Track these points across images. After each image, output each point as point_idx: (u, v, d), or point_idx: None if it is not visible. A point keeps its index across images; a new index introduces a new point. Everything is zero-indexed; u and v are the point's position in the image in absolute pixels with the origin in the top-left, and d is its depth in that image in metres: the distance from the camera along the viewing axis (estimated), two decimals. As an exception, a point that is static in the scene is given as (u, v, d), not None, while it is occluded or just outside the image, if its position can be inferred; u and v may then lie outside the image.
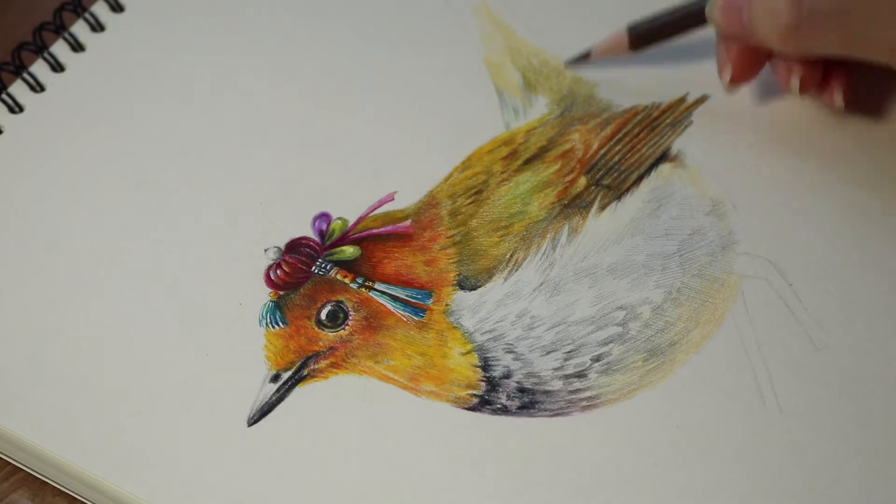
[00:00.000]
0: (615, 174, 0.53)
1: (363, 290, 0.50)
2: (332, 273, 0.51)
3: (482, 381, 0.48)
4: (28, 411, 0.48)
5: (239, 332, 0.49)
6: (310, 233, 0.52)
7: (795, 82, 0.50)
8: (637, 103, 0.54)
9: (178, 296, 0.50)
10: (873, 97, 0.53)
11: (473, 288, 0.50)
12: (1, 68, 0.56)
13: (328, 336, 0.49)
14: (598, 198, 0.52)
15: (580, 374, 0.48)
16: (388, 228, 0.52)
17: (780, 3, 0.48)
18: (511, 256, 0.51)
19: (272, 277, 0.51)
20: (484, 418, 0.47)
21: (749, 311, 0.49)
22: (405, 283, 0.50)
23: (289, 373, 0.48)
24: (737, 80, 0.52)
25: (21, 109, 0.56)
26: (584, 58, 0.55)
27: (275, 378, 0.48)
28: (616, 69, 0.55)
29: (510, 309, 0.49)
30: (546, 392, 0.48)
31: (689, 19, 0.53)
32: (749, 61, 0.51)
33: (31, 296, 0.51)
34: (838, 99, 0.51)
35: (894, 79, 0.52)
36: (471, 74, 0.56)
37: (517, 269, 0.50)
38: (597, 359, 0.48)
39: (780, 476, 0.46)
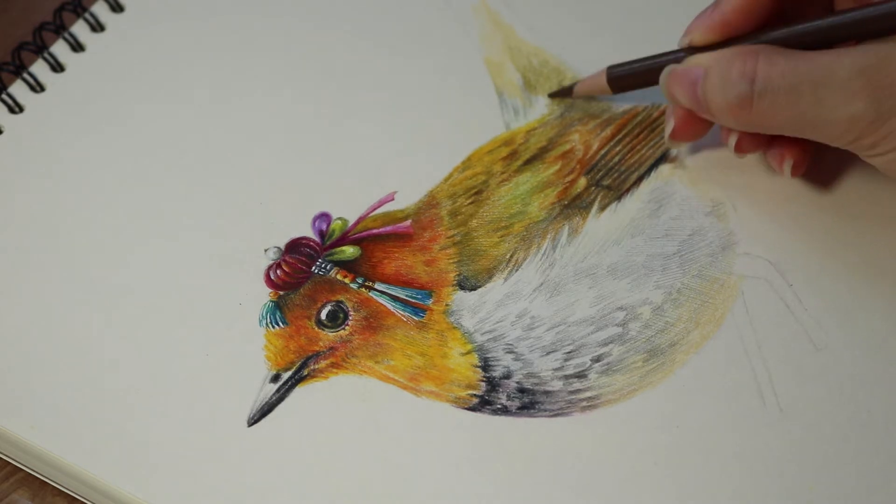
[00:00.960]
0: (615, 175, 0.53)
1: (363, 290, 0.50)
2: (332, 273, 0.51)
3: (482, 381, 0.48)
4: (28, 411, 0.48)
5: (239, 332, 0.49)
6: (310, 233, 0.52)
7: (732, 141, 0.50)
8: (637, 104, 0.54)
9: (178, 296, 0.50)
10: (826, 168, 0.52)
11: (473, 288, 0.50)
12: (1, 68, 0.56)
13: (328, 336, 0.49)
14: (598, 198, 0.52)
15: (580, 375, 0.48)
16: (388, 228, 0.52)
17: (734, 77, 0.47)
18: (511, 257, 0.51)
19: (272, 277, 0.51)
20: (484, 418, 0.47)
21: (749, 311, 0.49)
22: (405, 283, 0.50)
23: (289, 373, 0.48)
24: (677, 136, 0.51)
25: (21, 109, 0.56)
26: (566, 92, 0.55)
27: (275, 378, 0.48)
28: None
29: (510, 309, 0.49)
30: (546, 392, 0.48)
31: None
32: (693, 122, 0.50)
33: (31, 296, 0.50)
34: (787, 169, 0.50)
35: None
36: (471, 74, 0.56)
37: (517, 270, 0.50)
38: (597, 359, 0.48)
39: (780, 476, 0.46)
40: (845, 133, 0.46)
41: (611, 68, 0.53)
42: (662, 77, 0.50)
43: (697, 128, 0.51)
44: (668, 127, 0.51)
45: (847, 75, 0.45)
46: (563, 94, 0.55)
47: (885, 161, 0.47)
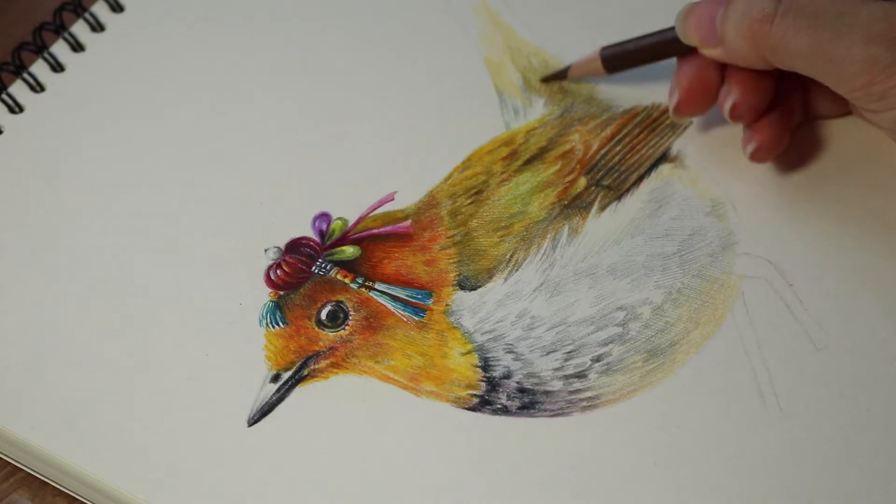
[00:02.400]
0: (615, 175, 0.53)
1: (363, 290, 0.50)
2: (333, 273, 0.51)
3: (482, 381, 0.48)
4: (28, 411, 0.48)
5: (239, 332, 0.49)
6: (310, 233, 0.52)
7: (728, 103, 0.50)
8: (637, 104, 0.54)
9: (178, 296, 0.50)
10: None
11: (473, 288, 0.50)
12: (1, 68, 0.56)
13: (328, 336, 0.49)
14: (599, 198, 0.52)
15: (580, 375, 0.48)
16: (388, 228, 0.52)
17: None
18: (511, 256, 0.51)
19: (272, 277, 0.51)
20: (484, 418, 0.47)
21: (749, 311, 0.49)
22: (405, 283, 0.50)
23: (289, 373, 0.48)
24: (682, 110, 0.51)
25: (21, 109, 0.56)
26: (560, 75, 0.55)
27: (275, 378, 0.48)
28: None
29: (510, 309, 0.49)
30: (546, 392, 0.48)
31: (662, 46, 0.52)
32: (698, 94, 0.50)
33: (31, 296, 0.50)
34: (749, 150, 0.50)
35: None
36: (471, 74, 0.56)
37: (517, 270, 0.50)
38: (597, 359, 0.48)
39: (780, 476, 0.46)
40: (859, 74, 0.46)
41: (604, 49, 0.53)
42: (679, 15, 0.50)
43: (702, 99, 0.51)
44: (673, 100, 0.51)
45: (871, 17, 0.46)
46: (556, 77, 0.55)
47: (892, 118, 0.47)
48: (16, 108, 0.56)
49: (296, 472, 0.46)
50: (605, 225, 0.51)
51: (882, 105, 0.47)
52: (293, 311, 0.50)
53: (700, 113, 0.51)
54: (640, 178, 0.52)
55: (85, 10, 0.58)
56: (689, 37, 0.50)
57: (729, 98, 0.50)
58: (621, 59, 0.53)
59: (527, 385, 0.48)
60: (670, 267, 0.50)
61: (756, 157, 0.50)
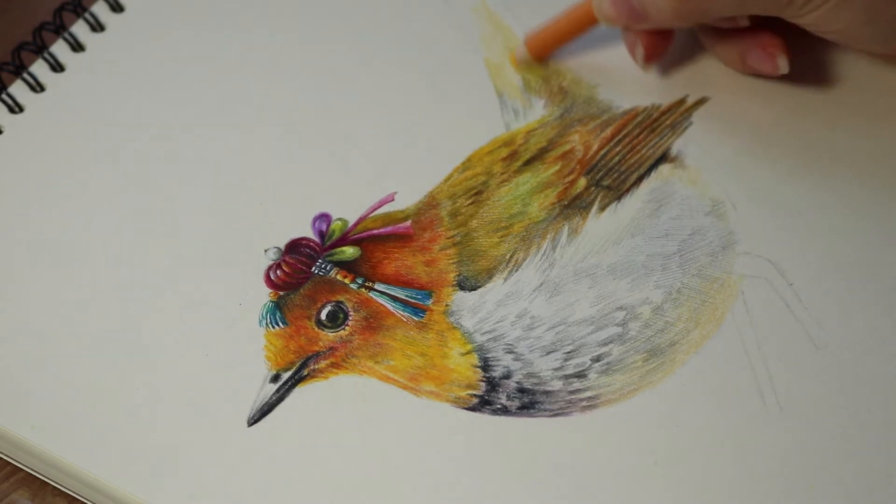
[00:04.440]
0: (615, 175, 0.53)
1: (363, 290, 0.50)
2: (332, 273, 0.51)
3: (482, 381, 0.48)
4: (28, 411, 0.48)
5: (239, 332, 0.49)
6: (310, 233, 0.52)
7: (639, 54, 0.53)
8: (637, 105, 0.54)
9: (178, 296, 0.50)
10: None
11: (473, 288, 0.50)
12: (1, 68, 0.56)
13: (328, 336, 0.49)
14: (598, 198, 0.52)
15: (580, 375, 0.48)
16: (388, 229, 0.52)
17: None
18: (511, 257, 0.51)
19: (272, 278, 0.51)
20: (484, 418, 0.47)
21: (749, 311, 0.49)
22: (405, 284, 0.50)
23: (289, 373, 0.48)
24: (651, 58, 0.53)
25: (21, 109, 0.56)
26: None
27: (275, 378, 0.48)
28: (616, 69, 0.55)
29: (510, 309, 0.49)
30: (546, 392, 0.48)
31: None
32: (659, 40, 0.53)
33: (31, 296, 0.50)
34: (782, 64, 0.53)
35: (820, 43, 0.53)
36: (471, 75, 0.56)
37: (517, 270, 0.50)
38: (597, 359, 0.48)
39: (780, 476, 0.46)
40: None
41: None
42: (595, 4, 0.53)
43: (663, 43, 0.53)
44: (639, 55, 0.53)
45: None
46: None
47: (815, 18, 0.50)
48: (16, 108, 0.56)
49: (296, 472, 0.46)
50: (604, 225, 0.51)
51: (805, 10, 0.50)
52: (293, 311, 0.50)
53: (665, 54, 0.54)
54: (640, 179, 0.52)
55: (85, 10, 0.58)
56: (611, 19, 0.52)
57: (638, 48, 0.53)
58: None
59: (527, 385, 0.48)
60: (670, 267, 0.50)
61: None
